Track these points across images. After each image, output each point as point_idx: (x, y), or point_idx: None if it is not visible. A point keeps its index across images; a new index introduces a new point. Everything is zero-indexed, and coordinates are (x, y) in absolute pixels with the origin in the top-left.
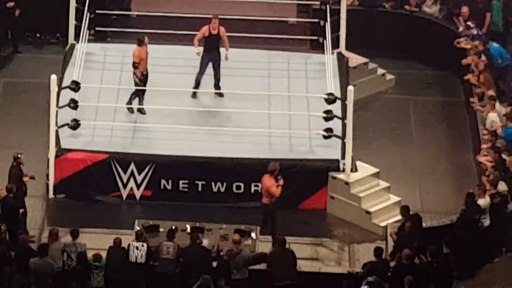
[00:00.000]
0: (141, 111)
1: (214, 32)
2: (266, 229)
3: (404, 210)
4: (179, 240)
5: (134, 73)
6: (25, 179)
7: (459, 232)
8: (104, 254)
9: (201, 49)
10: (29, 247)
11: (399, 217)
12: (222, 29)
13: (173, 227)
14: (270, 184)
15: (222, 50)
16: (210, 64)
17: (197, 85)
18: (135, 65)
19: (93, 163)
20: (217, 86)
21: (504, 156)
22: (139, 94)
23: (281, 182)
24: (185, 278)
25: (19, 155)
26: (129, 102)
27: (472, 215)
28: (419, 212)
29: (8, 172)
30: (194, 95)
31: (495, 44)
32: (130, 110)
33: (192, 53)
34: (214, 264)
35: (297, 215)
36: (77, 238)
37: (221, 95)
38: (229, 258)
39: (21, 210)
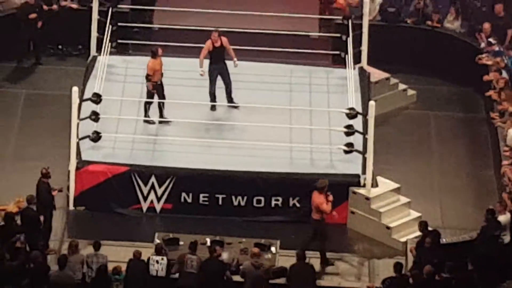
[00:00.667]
0: (164, 122)
1: (217, 44)
2: (314, 245)
3: (423, 226)
4: (199, 253)
5: (147, 85)
6: (54, 193)
7: (479, 248)
8: (123, 267)
9: (205, 68)
10: (41, 262)
11: (419, 232)
12: (224, 39)
13: (193, 240)
14: (320, 201)
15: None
16: (220, 77)
17: (213, 98)
18: (148, 78)
19: (113, 176)
20: (229, 97)
21: None
22: (150, 104)
23: (330, 198)
24: None
25: (48, 170)
26: (146, 115)
27: (492, 231)
28: (439, 228)
29: (36, 188)
30: (213, 108)
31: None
32: (151, 122)
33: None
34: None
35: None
36: (99, 250)
37: (235, 107)
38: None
39: (41, 219)
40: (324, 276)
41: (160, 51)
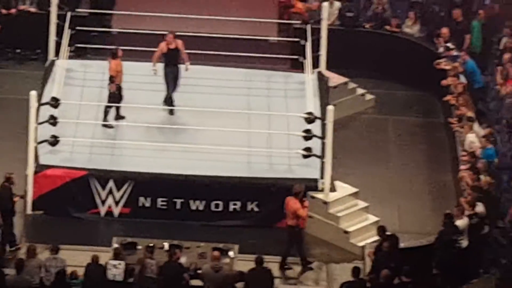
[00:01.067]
0: (121, 124)
1: (172, 46)
2: (291, 251)
3: (381, 230)
4: (157, 258)
5: (109, 87)
6: (15, 199)
7: (437, 252)
8: (81, 271)
9: (159, 66)
10: None
11: (377, 237)
12: (179, 42)
13: (151, 245)
14: (297, 207)
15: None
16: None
17: (170, 102)
18: (112, 79)
19: (71, 180)
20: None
21: (482, 177)
22: (111, 107)
23: (306, 203)
24: None
25: (11, 175)
26: (105, 119)
27: (449, 236)
28: (397, 232)
29: None
30: (171, 112)
31: (471, 62)
32: (109, 126)
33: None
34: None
35: (275, 234)
36: (57, 254)
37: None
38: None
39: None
40: (283, 280)
41: (120, 52)
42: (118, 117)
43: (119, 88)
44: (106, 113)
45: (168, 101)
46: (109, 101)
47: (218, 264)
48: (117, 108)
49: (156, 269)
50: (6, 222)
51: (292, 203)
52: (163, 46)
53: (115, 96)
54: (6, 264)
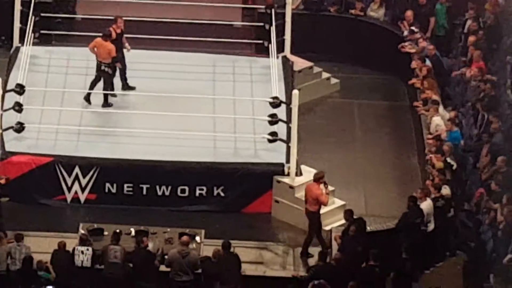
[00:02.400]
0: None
1: (118, 31)
2: (312, 237)
3: (348, 214)
4: (124, 243)
5: (110, 66)
6: (1, 181)
7: (401, 235)
8: (48, 258)
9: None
10: None
11: (344, 221)
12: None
13: (118, 231)
14: (319, 193)
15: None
16: None
17: (111, 86)
18: (116, 59)
19: (37, 166)
20: (126, 84)
21: (449, 160)
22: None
23: (328, 189)
24: (131, 281)
25: None
26: (106, 103)
27: (413, 219)
28: (364, 216)
29: None
30: (114, 96)
31: None
32: (110, 104)
33: (137, 56)
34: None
35: (241, 219)
36: (22, 241)
37: (133, 88)
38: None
39: None
40: (249, 265)
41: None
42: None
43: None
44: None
45: (125, 85)
46: (107, 79)
47: (185, 249)
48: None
49: (120, 255)
50: None
51: (314, 189)
52: (112, 32)
53: (109, 72)
54: None
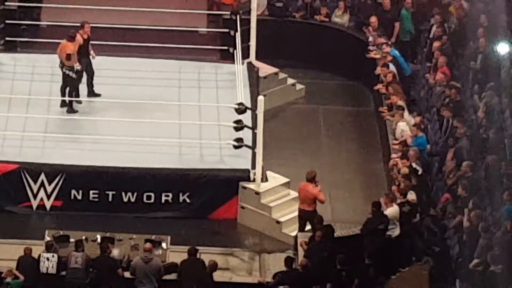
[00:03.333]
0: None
1: (85, 36)
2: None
3: (318, 219)
4: (90, 250)
5: (72, 70)
6: None
7: (365, 241)
8: (13, 265)
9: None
10: None
11: (309, 226)
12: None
13: (84, 237)
14: (317, 192)
15: None
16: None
17: (77, 92)
18: (69, 57)
19: (2, 174)
20: (92, 88)
21: (414, 165)
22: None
23: (319, 187)
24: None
25: None
26: (70, 108)
27: (376, 224)
28: (330, 222)
29: None
30: (79, 102)
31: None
32: (75, 110)
33: (102, 63)
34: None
35: (208, 225)
36: None
37: (99, 95)
38: (144, 264)
39: None
40: (215, 271)
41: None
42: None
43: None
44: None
45: (91, 92)
46: (71, 84)
47: (148, 255)
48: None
49: (81, 260)
50: None
51: (310, 188)
52: (79, 38)
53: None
54: None
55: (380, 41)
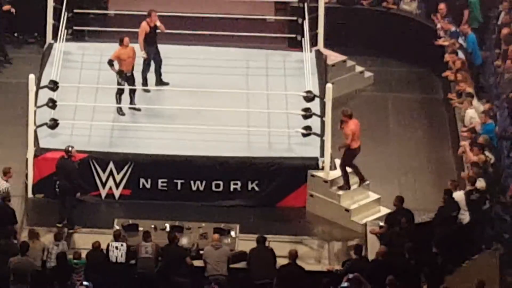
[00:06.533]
0: (135, 109)
1: (152, 25)
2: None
3: (398, 200)
4: (158, 239)
5: (116, 73)
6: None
7: (437, 229)
8: (83, 253)
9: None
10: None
11: (378, 214)
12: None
13: (152, 226)
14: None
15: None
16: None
17: (145, 81)
18: (110, 62)
19: None
20: (160, 76)
21: (487, 153)
22: (121, 94)
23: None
24: (165, 277)
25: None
26: (118, 105)
27: (449, 212)
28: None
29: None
30: (147, 91)
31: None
32: (121, 113)
33: (170, 51)
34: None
35: (276, 213)
36: (60, 241)
37: (167, 83)
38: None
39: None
40: (284, 259)
41: (125, 40)
42: (132, 105)
43: (128, 78)
44: (116, 99)
45: (144, 80)
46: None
47: (218, 243)
48: (131, 97)
49: (151, 250)
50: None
51: (358, 122)
52: (145, 27)
53: (121, 83)
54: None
55: (449, 27)
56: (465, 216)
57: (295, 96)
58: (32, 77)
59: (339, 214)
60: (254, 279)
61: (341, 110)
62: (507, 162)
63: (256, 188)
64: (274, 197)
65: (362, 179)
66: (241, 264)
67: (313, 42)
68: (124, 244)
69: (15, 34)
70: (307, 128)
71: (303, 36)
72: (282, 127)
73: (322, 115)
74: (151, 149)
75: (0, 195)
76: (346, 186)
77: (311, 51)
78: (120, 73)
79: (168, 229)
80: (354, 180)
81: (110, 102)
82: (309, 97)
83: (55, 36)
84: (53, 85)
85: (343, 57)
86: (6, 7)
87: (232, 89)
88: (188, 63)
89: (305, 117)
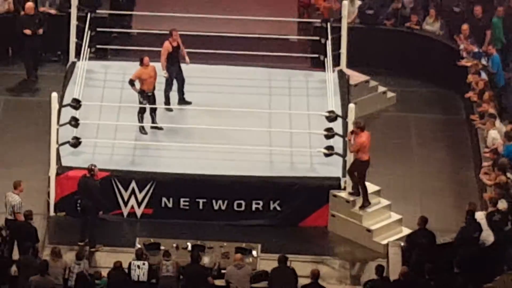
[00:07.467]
0: (157, 128)
1: (175, 44)
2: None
3: (422, 219)
4: (180, 258)
5: (138, 92)
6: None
7: (459, 250)
8: (104, 272)
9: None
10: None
11: (400, 234)
12: (179, 38)
13: (174, 245)
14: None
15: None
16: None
17: (167, 100)
18: (131, 82)
19: None
20: (182, 95)
21: (508, 174)
22: (143, 113)
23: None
24: None
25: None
26: (140, 125)
27: (471, 233)
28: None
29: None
30: (169, 110)
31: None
32: (143, 132)
33: (192, 71)
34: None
35: (298, 233)
36: (82, 260)
37: (189, 103)
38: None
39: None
40: (306, 279)
41: (146, 59)
42: (154, 126)
43: (150, 98)
44: (138, 119)
45: (167, 99)
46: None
47: (240, 262)
48: (152, 117)
49: (172, 268)
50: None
51: (369, 135)
52: (168, 46)
53: (143, 103)
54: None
55: (472, 49)
56: (489, 237)
57: (318, 116)
58: (54, 95)
59: (361, 234)
60: None
61: (353, 121)
62: None
63: (278, 208)
64: (296, 216)
65: (365, 204)
66: (263, 284)
67: (336, 62)
68: (146, 263)
69: (39, 52)
70: (329, 148)
71: (326, 56)
72: (304, 147)
73: (344, 135)
74: (173, 168)
75: (12, 209)
76: (366, 202)
77: (333, 71)
78: (141, 92)
79: (190, 248)
80: (375, 200)
81: (132, 120)
82: (332, 117)
83: (78, 54)
84: (76, 104)
85: (366, 77)
86: (27, 31)
87: (254, 108)
88: (210, 82)
89: (327, 137)
